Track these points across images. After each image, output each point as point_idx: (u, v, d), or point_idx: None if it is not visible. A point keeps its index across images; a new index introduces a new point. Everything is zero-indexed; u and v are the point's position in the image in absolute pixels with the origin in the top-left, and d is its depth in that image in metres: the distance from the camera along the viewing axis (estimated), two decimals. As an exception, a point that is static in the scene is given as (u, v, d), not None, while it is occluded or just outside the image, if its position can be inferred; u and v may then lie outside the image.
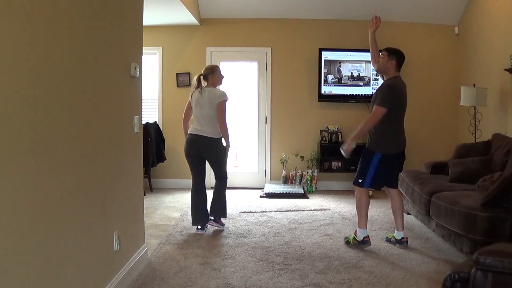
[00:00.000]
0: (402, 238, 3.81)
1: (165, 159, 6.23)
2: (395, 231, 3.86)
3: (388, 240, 3.92)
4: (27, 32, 1.82)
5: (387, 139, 3.69)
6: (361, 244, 3.75)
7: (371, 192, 5.68)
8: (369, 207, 3.88)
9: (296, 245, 3.84)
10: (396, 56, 3.73)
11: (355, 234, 3.80)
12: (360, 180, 3.76)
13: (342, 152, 3.76)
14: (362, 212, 3.78)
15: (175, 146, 6.37)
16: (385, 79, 3.81)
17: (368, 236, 3.78)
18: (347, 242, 3.84)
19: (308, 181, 6.13)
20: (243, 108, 6.50)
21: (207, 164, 4.29)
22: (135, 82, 3.23)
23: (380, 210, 5.05)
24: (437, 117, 6.34)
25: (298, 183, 6.22)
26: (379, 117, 3.60)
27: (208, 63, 6.32)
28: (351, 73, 6.14)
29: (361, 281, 3.07)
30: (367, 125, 3.67)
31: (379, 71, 3.93)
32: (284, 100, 6.35)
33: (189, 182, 4.14)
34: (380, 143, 3.71)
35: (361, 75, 6.10)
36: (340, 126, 6.28)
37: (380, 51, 3.86)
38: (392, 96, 3.63)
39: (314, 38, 6.26)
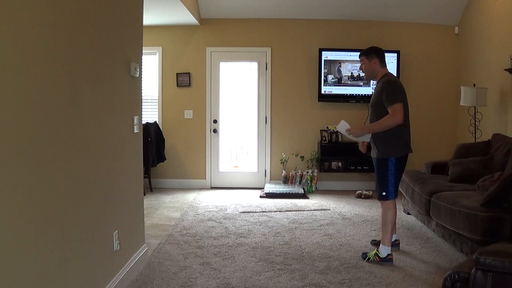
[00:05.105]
0: (395, 240, 3.72)
1: (165, 159, 6.23)
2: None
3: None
4: (27, 31, 1.82)
5: (397, 141, 3.39)
6: (383, 261, 3.38)
7: (371, 192, 5.69)
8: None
9: (296, 245, 3.84)
10: (375, 53, 3.48)
11: (377, 250, 3.44)
12: (384, 193, 3.44)
13: (348, 134, 3.52)
14: (388, 227, 3.43)
15: (175, 146, 6.37)
16: (377, 80, 3.54)
17: (392, 254, 3.42)
18: (367, 259, 3.45)
19: (308, 181, 6.13)
20: (243, 108, 6.50)
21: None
22: (135, 82, 3.23)
23: (380, 210, 5.04)
24: (437, 117, 6.34)
25: (298, 183, 6.22)
26: (401, 113, 3.26)
27: (208, 63, 6.34)
28: (351, 73, 6.14)
29: (361, 281, 3.07)
30: (385, 124, 3.31)
31: (368, 78, 3.68)
32: (284, 100, 6.35)
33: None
34: (392, 147, 3.40)
35: (361, 75, 6.09)
36: (340, 126, 6.28)
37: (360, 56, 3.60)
38: (399, 89, 3.36)
39: (314, 38, 6.26)
